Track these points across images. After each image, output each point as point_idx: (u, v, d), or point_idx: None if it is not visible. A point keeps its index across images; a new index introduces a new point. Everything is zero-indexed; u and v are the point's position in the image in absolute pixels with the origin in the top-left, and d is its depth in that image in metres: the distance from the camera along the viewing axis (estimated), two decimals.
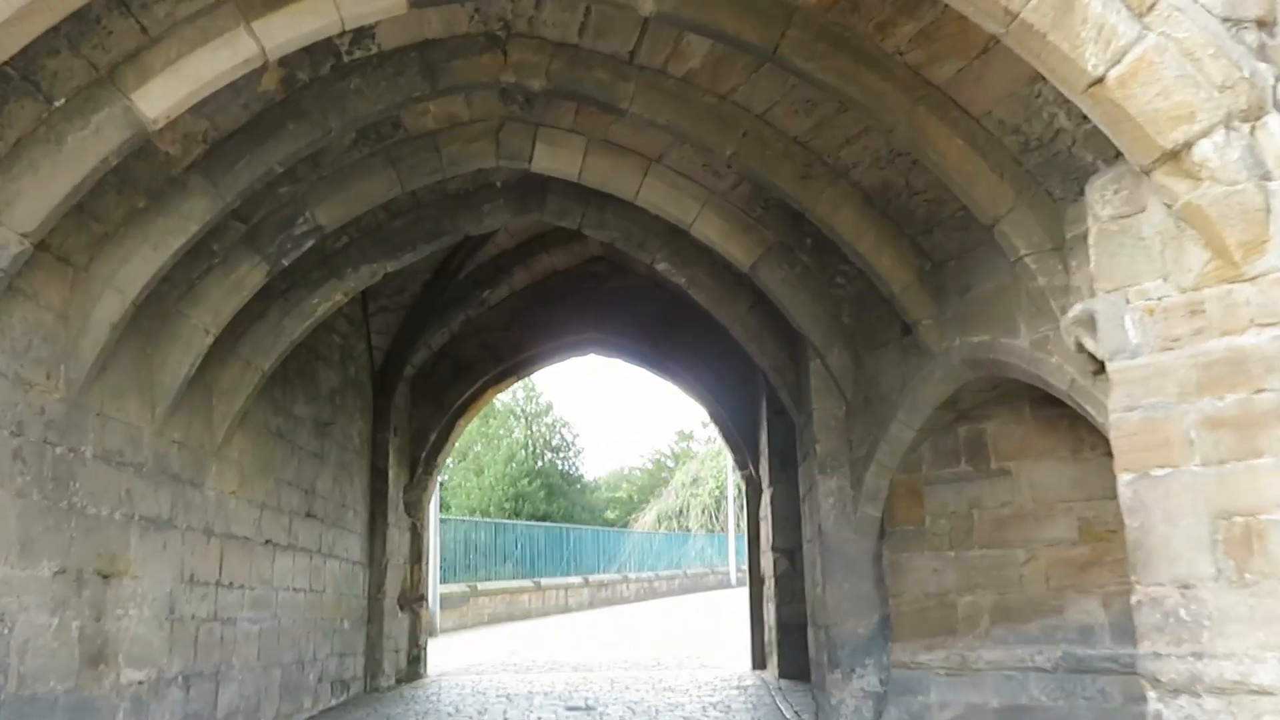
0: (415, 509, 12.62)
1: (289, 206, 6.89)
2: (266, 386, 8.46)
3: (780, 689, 10.40)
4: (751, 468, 12.63)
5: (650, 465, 69.23)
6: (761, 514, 12.34)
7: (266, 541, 8.56)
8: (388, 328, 11.94)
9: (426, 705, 10.24)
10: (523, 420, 58.51)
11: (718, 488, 57.19)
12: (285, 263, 7.00)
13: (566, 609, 26.46)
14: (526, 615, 23.82)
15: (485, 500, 49.18)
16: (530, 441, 56.87)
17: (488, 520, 29.34)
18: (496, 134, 7.24)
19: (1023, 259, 5.35)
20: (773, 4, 5.27)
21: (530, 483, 52.47)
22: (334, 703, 10.27)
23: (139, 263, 5.82)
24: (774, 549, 11.51)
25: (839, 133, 6.17)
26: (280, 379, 8.89)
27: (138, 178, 5.68)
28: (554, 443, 59.14)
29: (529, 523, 31.82)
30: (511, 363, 13.00)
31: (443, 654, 15.05)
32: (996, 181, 5.35)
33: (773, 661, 11.57)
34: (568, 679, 12.06)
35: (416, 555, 12.58)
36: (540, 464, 56.10)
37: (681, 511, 58.15)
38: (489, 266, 12.32)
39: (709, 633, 18.67)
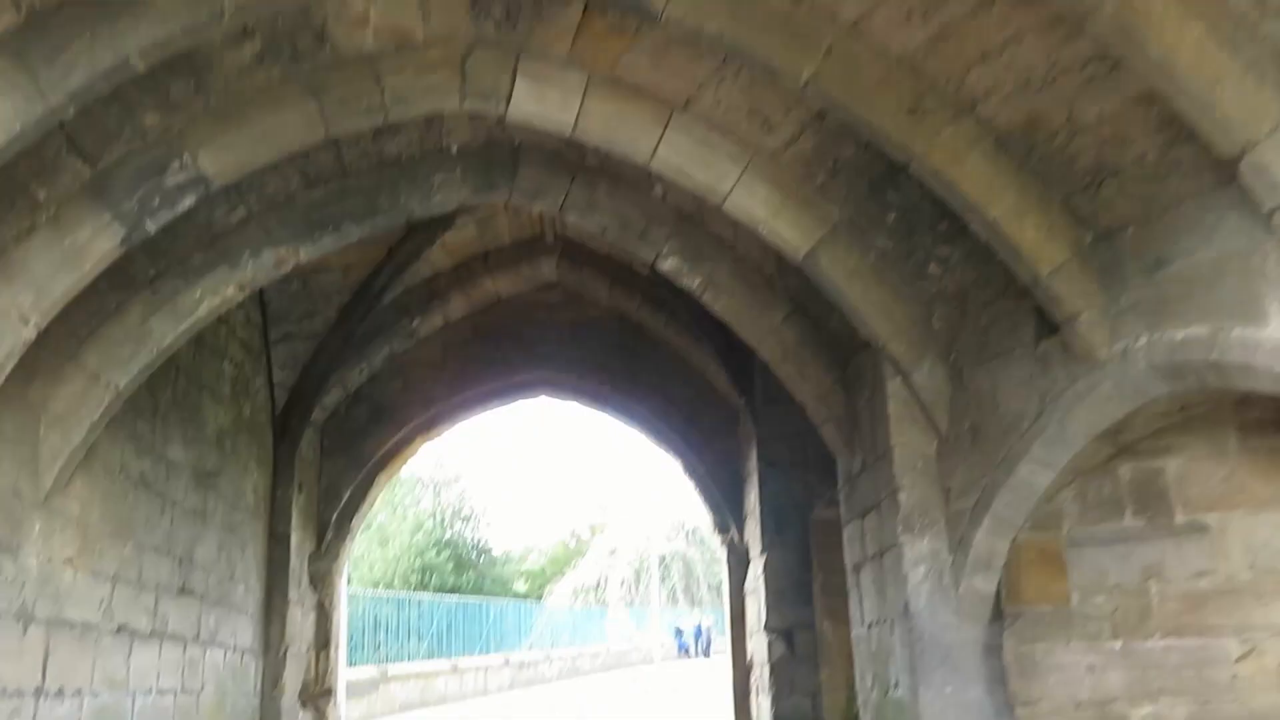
0: (323, 583, 10.26)
1: (159, 146, 4.76)
2: (127, 417, 6.22)
3: None
4: (735, 532, 10.59)
5: (564, 535, 66.80)
6: (749, 587, 10.29)
7: (120, 629, 6.24)
8: (293, 360, 9.70)
9: None
10: (430, 489, 55.70)
11: (637, 559, 54.97)
12: (151, 228, 4.85)
13: (486, 691, 23.83)
14: (443, 700, 21.18)
15: (390, 572, 46.16)
16: (438, 511, 54.03)
17: (397, 594, 26.62)
18: (462, 64, 5.22)
19: None
20: None
21: (438, 554, 49.58)
22: None
23: None
24: (767, 629, 9.46)
25: (969, 45, 4.31)
26: (147, 408, 6.64)
27: None
28: (463, 512, 56.41)
29: (441, 596, 29.12)
30: (445, 406, 10.81)
31: None
32: (1252, 87, 3.54)
33: None
34: None
35: (323, 639, 10.20)
36: (449, 534, 53.27)
37: (599, 584, 55.73)
38: (420, 291, 10.23)
39: None
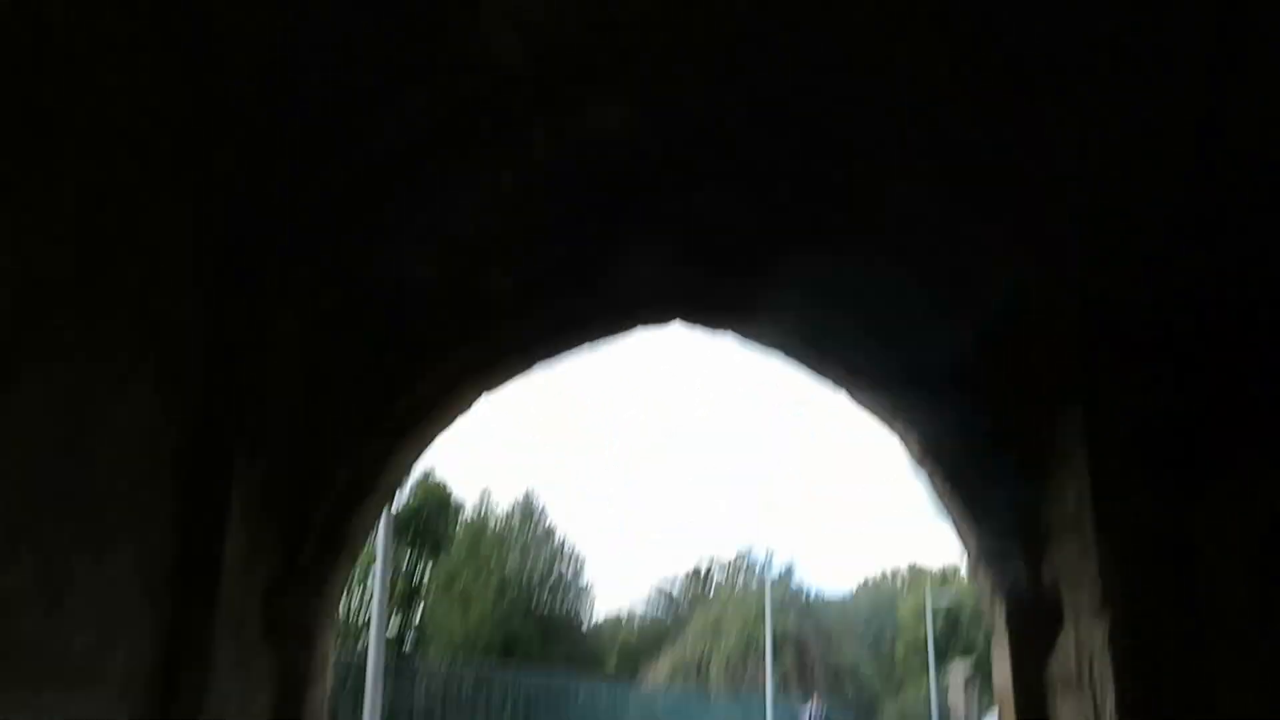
0: (295, 634, 5.68)
1: None
2: None
3: None
4: (1020, 562, 5.74)
5: (657, 610, 62.89)
6: (1058, 671, 5.36)
7: None
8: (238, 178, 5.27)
9: None
10: (517, 548, 51.33)
11: (744, 635, 49.50)
12: None
13: None
14: None
15: (472, 639, 41.91)
16: (527, 573, 49.64)
17: (471, 665, 22.09)
18: None
19: None
20: None
21: (524, 622, 45.23)
22: None
23: None
24: None
25: None
26: None
27: None
28: (552, 579, 52.07)
29: (525, 674, 24.49)
30: (518, 325, 6.23)
31: None
32: None
33: None
34: None
35: None
36: (536, 602, 48.93)
37: (701, 663, 50.38)
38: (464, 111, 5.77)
39: None
